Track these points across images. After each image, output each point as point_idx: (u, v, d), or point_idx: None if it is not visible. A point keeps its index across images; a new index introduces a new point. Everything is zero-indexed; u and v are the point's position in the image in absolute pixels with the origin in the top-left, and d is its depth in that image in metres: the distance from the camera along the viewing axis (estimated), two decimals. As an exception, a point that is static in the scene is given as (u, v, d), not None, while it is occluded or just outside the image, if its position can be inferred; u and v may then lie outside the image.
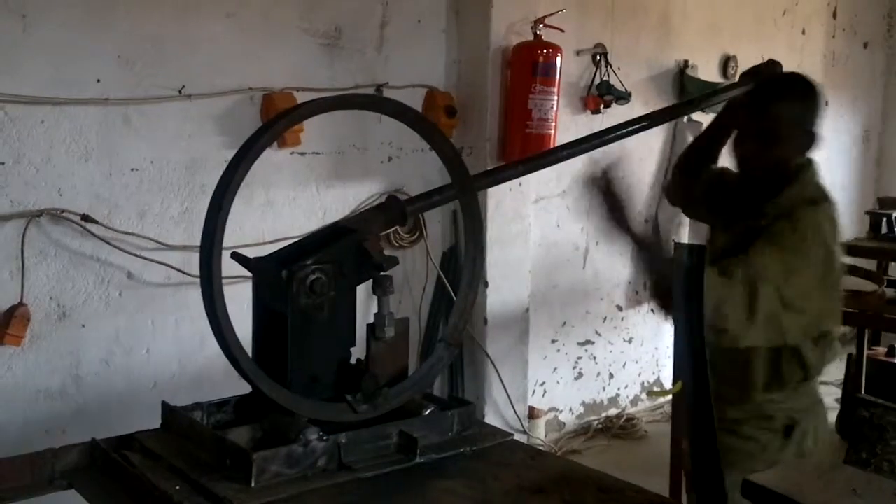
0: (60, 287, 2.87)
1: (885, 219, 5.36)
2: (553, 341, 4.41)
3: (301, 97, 3.19)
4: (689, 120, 4.64)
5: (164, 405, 1.74)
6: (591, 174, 1.82)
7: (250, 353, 1.65)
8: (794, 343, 1.95)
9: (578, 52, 4.33)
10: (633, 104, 4.38)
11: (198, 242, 1.56)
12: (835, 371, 5.24)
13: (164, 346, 3.12)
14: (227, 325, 1.54)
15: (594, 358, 4.71)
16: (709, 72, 5.01)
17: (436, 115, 3.63)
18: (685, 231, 4.43)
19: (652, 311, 4.41)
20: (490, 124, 3.79)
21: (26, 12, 2.70)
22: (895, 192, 6.24)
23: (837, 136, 6.31)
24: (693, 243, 1.28)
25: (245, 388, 1.70)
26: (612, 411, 4.85)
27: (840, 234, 2.00)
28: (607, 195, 1.78)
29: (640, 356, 5.00)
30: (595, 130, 2.21)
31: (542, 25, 3.79)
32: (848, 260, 4.97)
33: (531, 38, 3.77)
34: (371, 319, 1.73)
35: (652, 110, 2.62)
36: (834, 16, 6.07)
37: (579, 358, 4.61)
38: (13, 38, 2.69)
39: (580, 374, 4.68)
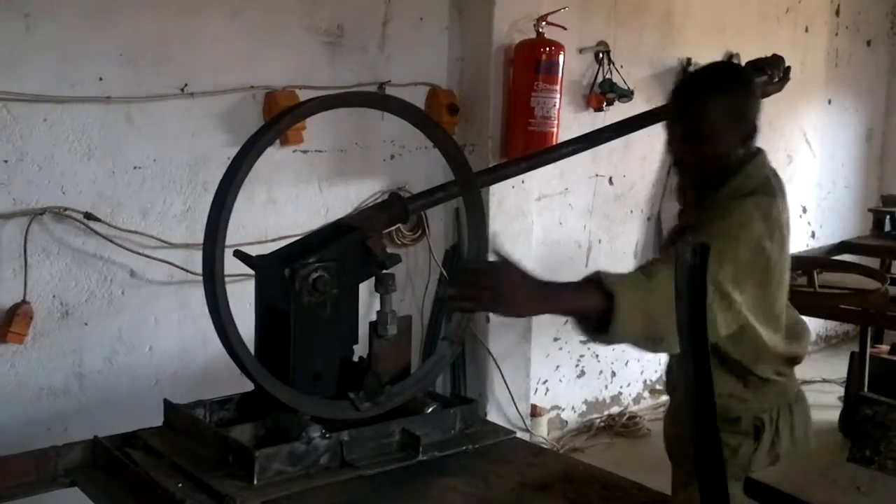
0: (63, 285, 2.87)
1: (888, 216, 5.35)
2: (555, 339, 4.41)
3: (303, 95, 3.18)
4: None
5: (167, 403, 1.75)
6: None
7: (253, 351, 1.65)
8: (721, 335, 1.79)
9: (581, 50, 4.33)
10: (636, 102, 4.37)
11: (200, 240, 1.56)
12: (837, 369, 5.26)
13: (167, 344, 3.12)
14: (229, 322, 1.54)
15: (596, 356, 4.70)
16: (711, 70, 4.99)
17: (438, 114, 3.62)
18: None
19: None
20: (492, 122, 3.78)
21: (29, 11, 2.70)
22: (898, 190, 6.23)
23: (841, 134, 6.30)
24: (696, 242, 1.27)
25: (248, 386, 1.70)
26: (615, 409, 4.85)
27: (780, 227, 1.89)
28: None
29: (643, 354, 4.99)
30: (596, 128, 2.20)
31: (544, 23, 3.78)
32: (851, 258, 5.00)
33: (534, 35, 3.77)
34: (373, 317, 1.73)
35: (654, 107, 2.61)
36: (837, 13, 6.05)
37: (582, 356, 4.60)
38: (16, 37, 2.69)
39: (582, 372, 4.68)
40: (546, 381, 4.47)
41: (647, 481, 1.63)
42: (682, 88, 1.95)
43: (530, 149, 3.49)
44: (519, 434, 1.86)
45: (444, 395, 1.89)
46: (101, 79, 2.87)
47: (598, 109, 4.36)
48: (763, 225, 1.82)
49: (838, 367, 5.21)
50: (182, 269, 3.07)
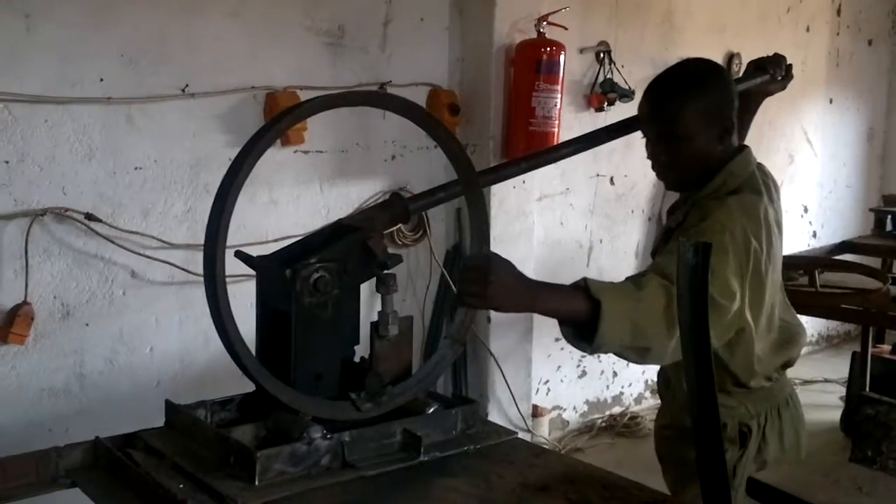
0: (64, 286, 2.87)
1: (889, 216, 5.35)
2: (557, 339, 4.39)
3: (304, 96, 3.18)
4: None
5: (168, 403, 1.75)
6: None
7: (254, 352, 1.65)
8: (715, 346, 1.76)
9: (582, 50, 4.33)
10: (637, 102, 4.37)
11: (201, 241, 1.56)
12: (839, 369, 5.26)
13: (168, 345, 3.12)
14: (230, 323, 1.54)
15: (598, 356, 4.70)
16: (712, 69, 4.99)
17: (439, 114, 3.62)
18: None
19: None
20: (493, 122, 3.78)
21: (30, 12, 2.70)
22: (900, 190, 6.23)
23: (842, 134, 6.29)
24: (698, 241, 1.27)
25: (249, 387, 1.70)
26: (616, 409, 4.85)
27: (768, 225, 1.84)
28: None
29: (644, 354, 4.99)
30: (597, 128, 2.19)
31: (545, 23, 3.78)
32: (852, 257, 4.99)
33: (535, 35, 3.77)
34: (375, 318, 1.73)
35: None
36: (838, 13, 6.05)
37: (583, 356, 4.60)
38: (17, 38, 2.69)
39: (584, 373, 4.68)
40: (547, 382, 4.47)
41: (648, 481, 1.63)
42: (654, 89, 1.91)
43: (531, 149, 3.49)
44: (520, 434, 1.85)
45: (445, 395, 1.89)
46: (101, 79, 2.87)
47: (600, 109, 4.36)
48: (748, 224, 1.78)
49: (840, 366, 5.21)
50: (183, 269, 3.07)
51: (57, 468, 1.65)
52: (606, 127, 2.11)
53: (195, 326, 3.12)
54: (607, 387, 4.84)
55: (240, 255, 1.71)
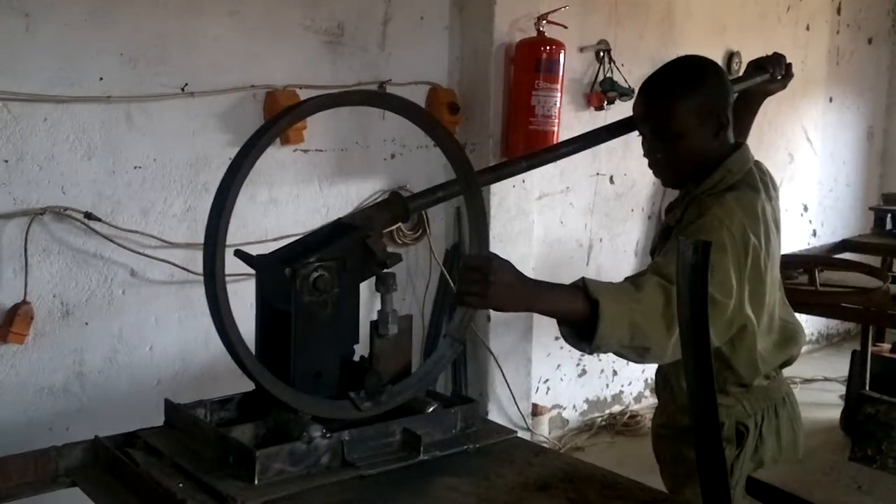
0: (64, 285, 2.87)
1: (889, 215, 5.35)
2: (556, 338, 4.36)
3: (304, 94, 3.18)
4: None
5: (168, 403, 1.75)
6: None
7: (254, 351, 1.65)
8: (717, 345, 1.76)
9: (582, 49, 4.32)
10: (637, 101, 4.37)
11: (201, 240, 1.56)
12: (838, 368, 5.26)
13: (168, 344, 3.12)
14: (230, 322, 1.54)
15: (597, 355, 4.70)
16: (712, 68, 4.99)
17: (439, 112, 3.62)
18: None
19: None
20: (493, 121, 3.78)
21: (29, 11, 2.70)
22: (900, 189, 6.22)
23: (842, 133, 6.29)
24: (697, 239, 1.27)
25: (248, 386, 1.70)
26: (616, 408, 4.85)
27: (766, 222, 1.83)
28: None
29: (644, 353, 4.99)
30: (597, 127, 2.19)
31: (545, 22, 3.78)
32: (852, 256, 4.99)
33: (534, 34, 3.76)
34: (374, 317, 1.73)
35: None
36: (838, 11, 6.05)
37: (583, 355, 4.60)
38: (16, 37, 2.69)
39: (584, 371, 4.68)
40: (547, 380, 4.47)
41: (648, 480, 1.63)
42: (648, 87, 1.90)
43: (531, 148, 3.48)
44: (520, 433, 1.85)
45: (445, 394, 1.89)
46: (101, 78, 2.87)
47: (599, 108, 4.36)
48: (747, 220, 1.78)
49: (839, 365, 5.21)
50: (183, 268, 3.07)
51: (57, 467, 1.65)
52: (606, 126, 2.10)
53: (195, 325, 3.12)
54: (607, 385, 4.84)
55: (239, 254, 1.71)
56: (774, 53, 2.16)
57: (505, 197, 3.82)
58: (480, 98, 3.79)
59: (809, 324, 5.96)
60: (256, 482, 1.48)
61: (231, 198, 1.52)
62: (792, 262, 4.03)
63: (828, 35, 5.98)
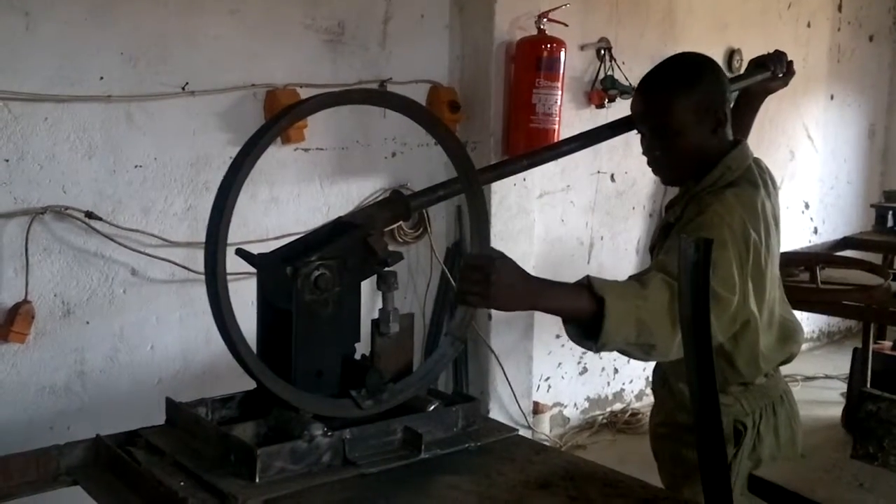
0: (64, 284, 2.87)
1: (890, 212, 5.34)
2: (557, 336, 4.40)
3: (304, 93, 3.18)
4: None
5: (169, 401, 1.75)
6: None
7: (255, 350, 1.65)
8: (720, 341, 1.76)
9: (582, 47, 4.32)
10: (637, 99, 4.37)
11: (202, 239, 1.56)
12: (839, 365, 5.25)
13: (169, 343, 3.12)
14: (231, 321, 1.54)
15: (599, 354, 4.70)
16: (713, 66, 4.99)
17: (439, 111, 3.62)
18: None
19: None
20: (494, 120, 3.78)
21: (29, 10, 2.70)
22: (901, 186, 6.22)
23: (843, 130, 6.29)
24: (699, 237, 1.26)
25: (250, 384, 1.70)
26: (617, 406, 4.85)
27: (766, 218, 1.83)
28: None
29: (645, 351, 4.99)
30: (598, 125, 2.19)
31: (545, 20, 3.77)
32: (853, 254, 4.99)
33: (535, 32, 3.76)
34: (376, 315, 1.73)
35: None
36: (839, 9, 6.04)
37: (584, 353, 4.60)
38: (16, 36, 2.69)
39: (585, 369, 4.68)
40: (548, 378, 4.47)
41: (649, 478, 1.63)
42: (645, 85, 1.90)
43: (532, 146, 3.48)
44: (521, 431, 1.85)
45: (446, 392, 1.89)
46: (101, 77, 2.87)
47: (600, 106, 4.35)
48: (747, 216, 1.78)
49: (840, 363, 5.21)
50: (184, 267, 3.07)
51: (58, 466, 1.65)
52: (607, 124, 2.10)
53: (196, 324, 3.12)
54: (608, 383, 4.84)
55: (241, 253, 1.71)
56: (776, 51, 2.16)
57: (506, 195, 3.82)
58: (481, 96, 3.79)
59: (810, 321, 5.96)
60: (258, 480, 1.48)
61: (232, 197, 1.52)
62: (793, 260, 4.03)
63: (829, 32, 5.97)
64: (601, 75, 4.36)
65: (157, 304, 3.09)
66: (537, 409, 4.17)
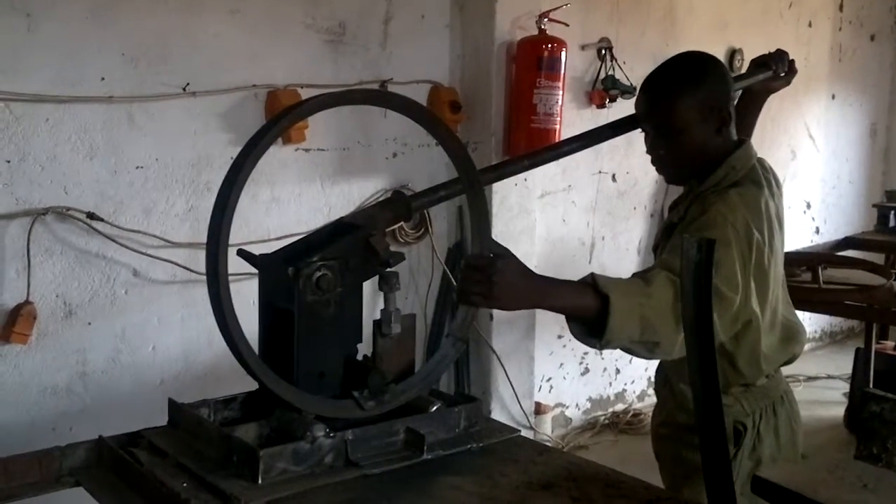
0: (66, 285, 2.87)
1: (892, 212, 5.34)
2: (559, 337, 4.40)
3: (305, 94, 3.18)
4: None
5: (171, 402, 1.74)
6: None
7: (257, 350, 1.65)
8: (722, 340, 1.75)
9: (583, 47, 4.32)
10: (639, 99, 4.37)
11: (203, 239, 1.56)
12: (842, 365, 5.25)
13: (171, 344, 3.12)
14: (233, 322, 1.54)
15: (600, 353, 4.70)
16: (714, 65, 4.99)
17: (440, 111, 3.62)
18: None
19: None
20: (495, 120, 3.78)
21: (31, 11, 2.70)
22: (902, 186, 6.21)
23: (844, 130, 6.28)
24: (702, 237, 1.26)
25: (252, 385, 1.70)
26: (619, 406, 4.85)
27: (770, 218, 1.83)
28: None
29: (647, 351, 4.98)
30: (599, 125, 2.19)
31: (546, 20, 3.77)
32: (855, 254, 4.99)
33: (536, 32, 3.76)
34: (377, 315, 1.72)
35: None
36: (840, 8, 6.04)
37: (586, 353, 4.60)
38: (18, 37, 2.69)
39: (586, 370, 4.68)
40: (550, 379, 4.47)
41: (651, 479, 1.63)
42: (649, 84, 1.90)
43: (533, 146, 3.48)
44: (523, 432, 1.85)
45: (448, 393, 1.89)
46: (102, 78, 2.87)
47: (601, 106, 4.35)
48: (750, 216, 1.77)
49: (843, 363, 5.20)
50: (185, 268, 3.07)
51: (60, 467, 1.65)
52: (609, 123, 2.10)
53: (198, 325, 3.12)
54: (610, 384, 4.83)
55: (242, 254, 1.70)
56: (777, 50, 2.15)
57: (507, 195, 3.82)
58: (482, 96, 3.78)
59: (813, 321, 5.95)
60: (260, 482, 1.48)
61: (233, 197, 1.52)
62: (795, 260, 4.02)
63: (830, 32, 5.97)
64: (602, 75, 4.36)
65: (159, 304, 3.09)
66: (539, 409, 4.16)
